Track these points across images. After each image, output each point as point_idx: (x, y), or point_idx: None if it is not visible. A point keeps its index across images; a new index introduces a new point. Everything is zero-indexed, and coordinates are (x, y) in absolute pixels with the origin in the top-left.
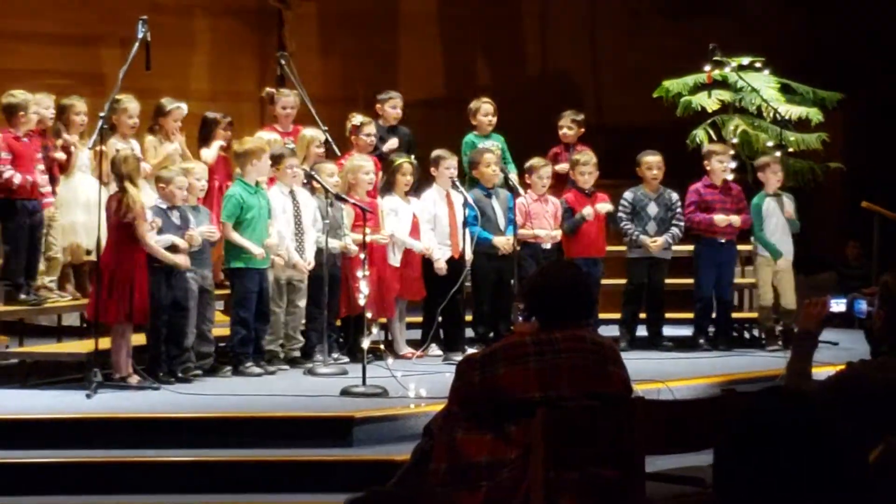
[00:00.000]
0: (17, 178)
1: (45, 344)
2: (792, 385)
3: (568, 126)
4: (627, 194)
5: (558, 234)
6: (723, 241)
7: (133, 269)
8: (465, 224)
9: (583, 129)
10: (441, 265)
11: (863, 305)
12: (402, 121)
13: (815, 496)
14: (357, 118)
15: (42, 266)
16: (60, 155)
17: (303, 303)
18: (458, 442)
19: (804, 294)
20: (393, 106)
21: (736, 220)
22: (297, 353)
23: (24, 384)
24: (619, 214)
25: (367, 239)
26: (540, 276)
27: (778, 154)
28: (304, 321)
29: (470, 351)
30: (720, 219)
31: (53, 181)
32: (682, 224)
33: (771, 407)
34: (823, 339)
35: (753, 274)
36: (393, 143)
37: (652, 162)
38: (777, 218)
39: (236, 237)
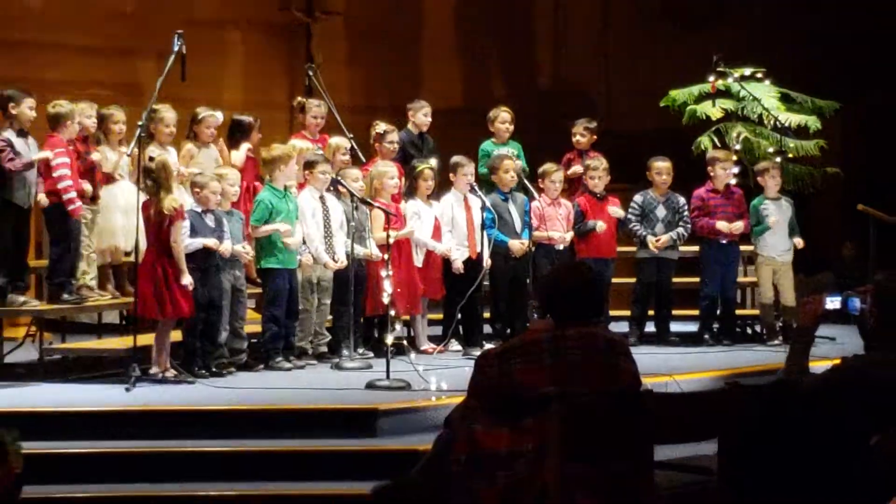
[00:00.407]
0: (78, 203)
1: (87, 340)
2: (792, 378)
3: (581, 133)
4: (637, 197)
5: (570, 235)
6: (725, 242)
7: (173, 267)
8: (483, 226)
9: (595, 136)
10: (458, 266)
11: (856, 303)
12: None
13: (816, 482)
14: (381, 126)
15: (83, 266)
16: (96, 156)
17: (329, 301)
18: (477, 434)
19: (803, 292)
20: (424, 114)
21: (738, 226)
22: (325, 349)
23: (67, 378)
24: (629, 216)
25: (391, 239)
26: (552, 276)
27: (778, 159)
28: (330, 319)
29: (488, 346)
30: (722, 225)
31: (94, 186)
32: (688, 225)
33: (776, 398)
34: (821, 334)
35: (755, 273)
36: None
37: (662, 167)
38: (775, 219)
39: (264, 229)
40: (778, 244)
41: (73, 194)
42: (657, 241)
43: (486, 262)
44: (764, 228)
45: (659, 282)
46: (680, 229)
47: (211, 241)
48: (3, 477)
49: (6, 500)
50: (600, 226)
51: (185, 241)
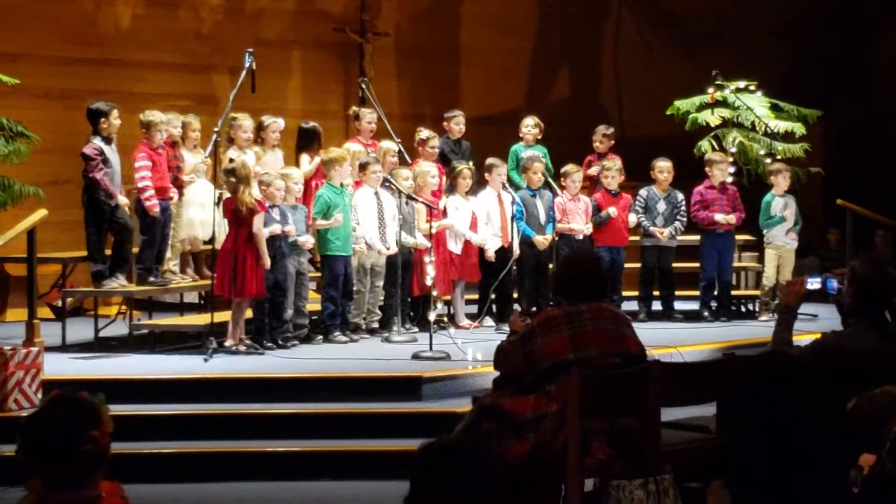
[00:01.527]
0: (154, 200)
1: (170, 317)
2: (780, 350)
3: (599, 140)
4: (642, 192)
5: (589, 228)
6: (722, 232)
7: (248, 253)
8: (513, 219)
9: (612, 142)
10: (490, 255)
11: (834, 283)
12: (462, 135)
13: (802, 439)
14: (424, 133)
15: (168, 254)
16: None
17: (381, 283)
18: (505, 405)
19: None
20: (457, 123)
21: (732, 218)
22: (376, 325)
23: (153, 350)
24: (636, 207)
25: (434, 229)
26: (563, 263)
27: (781, 164)
28: (381, 298)
29: (517, 307)
30: (720, 217)
31: (180, 185)
32: (684, 219)
33: (767, 367)
34: (805, 312)
35: (754, 259)
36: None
37: (663, 166)
38: (783, 213)
39: (321, 223)
40: (784, 235)
41: (150, 192)
42: (662, 233)
43: (516, 250)
44: (779, 220)
45: (660, 266)
46: (677, 223)
47: (278, 228)
48: (100, 437)
49: (106, 458)
50: (612, 210)
51: (260, 229)
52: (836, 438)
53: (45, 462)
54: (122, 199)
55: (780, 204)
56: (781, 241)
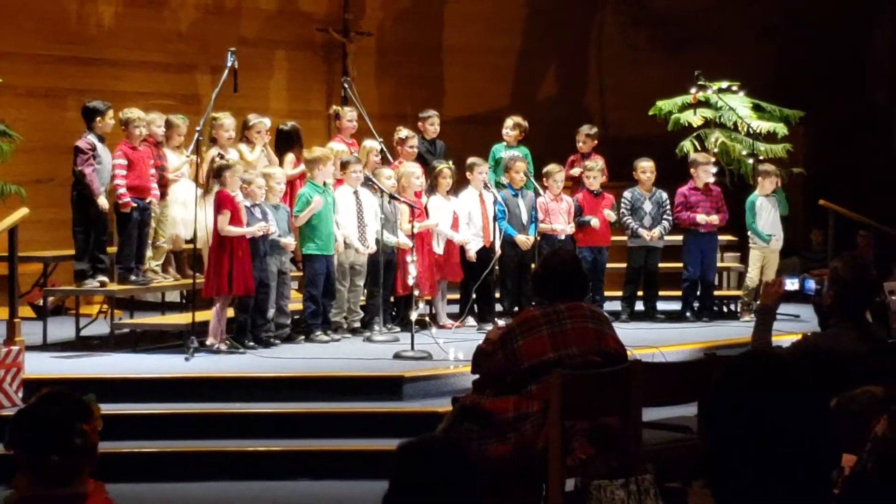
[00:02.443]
0: (127, 198)
1: (151, 316)
2: (762, 349)
3: (583, 140)
4: (627, 193)
5: (571, 227)
6: (704, 232)
7: (233, 252)
8: (495, 219)
9: (596, 142)
10: (472, 255)
11: (811, 284)
12: (443, 134)
13: (784, 438)
14: (402, 132)
15: (149, 252)
16: (174, 160)
17: (362, 282)
18: (486, 405)
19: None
20: (432, 123)
21: (714, 219)
22: (358, 324)
23: (135, 349)
24: (622, 210)
25: (416, 229)
26: (543, 263)
27: (770, 167)
28: (363, 298)
29: (498, 321)
30: (701, 218)
31: (164, 184)
32: (670, 219)
33: (748, 365)
34: (787, 312)
35: (735, 259)
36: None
37: (646, 166)
38: (768, 213)
39: (303, 216)
40: (771, 233)
41: (123, 190)
42: (650, 235)
43: (497, 249)
44: (757, 232)
45: (647, 266)
46: (665, 223)
47: (255, 228)
48: (91, 432)
49: (95, 453)
50: (594, 222)
51: (228, 227)
52: (818, 438)
53: (36, 454)
54: (103, 202)
55: (766, 204)
56: (768, 239)
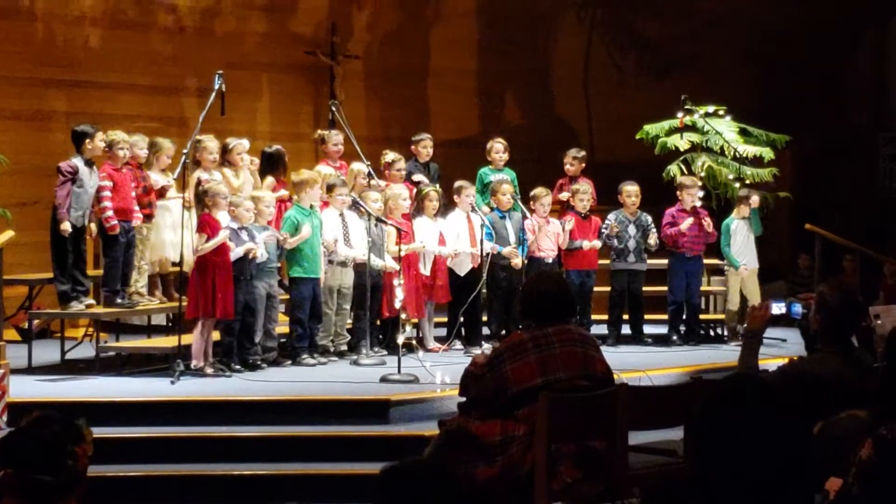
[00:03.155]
0: (114, 221)
1: (137, 339)
2: (747, 373)
3: (570, 162)
4: (611, 216)
5: (555, 251)
6: (690, 256)
7: (214, 274)
8: (481, 242)
9: (584, 165)
10: (455, 256)
11: (798, 308)
12: (430, 157)
13: (769, 461)
14: (389, 155)
15: (135, 275)
16: (161, 180)
17: (348, 305)
18: (473, 429)
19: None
20: (424, 146)
21: (689, 220)
22: (345, 347)
23: (120, 372)
24: (603, 232)
25: (403, 252)
26: (529, 286)
27: (757, 197)
28: (349, 321)
29: (486, 345)
30: (685, 225)
31: (150, 206)
32: (656, 234)
33: (734, 389)
34: (774, 336)
35: (722, 283)
36: (421, 177)
37: (631, 191)
38: (743, 236)
39: (292, 241)
40: (746, 256)
41: (110, 213)
42: (615, 228)
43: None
44: (729, 256)
45: (630, 289)
46: (653, 237)
47: (241, 249)
48: (82, 454)
49: (84, 477)
50: (585, 244)
51: (203, 246)
52: (802, 461)
53: (28, 475)
54: (66, 226)
55: (741, 227)
56: (742, 263)
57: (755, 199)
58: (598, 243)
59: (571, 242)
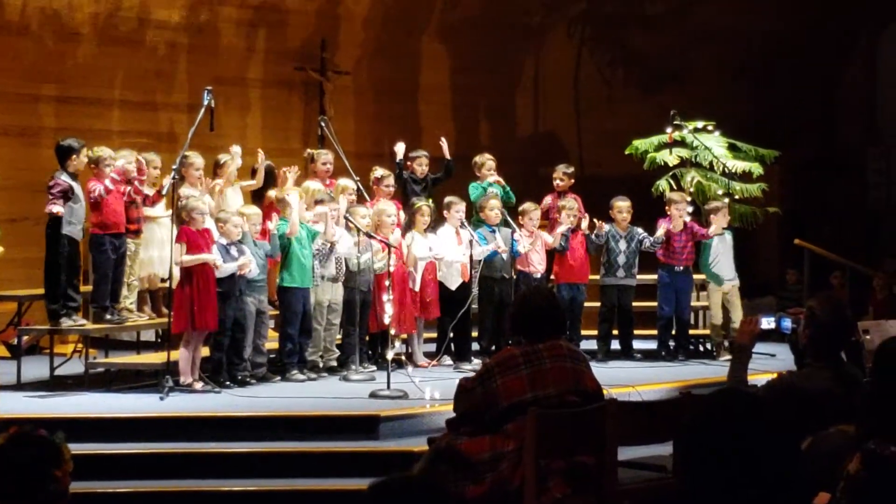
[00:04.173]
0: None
1: (126, 356)
2: (736, 387)
3: (560, 178)
4: (605, 227)
5: (543, 264)
6: (680, 269)
7: (197, 288)
8: (472, 256)
9: (573, 180)
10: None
11: (787, 322)
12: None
13: (757, 476)
14: (378, 171)
15: (124, 291)
16: (148, 191)
17: (337, 321)
18: (462, 447)
19: (746, 315)
20: (420, 164)
21: (661, 231)
22: (334, 363)
23: (109, 389)
24: (595, 237)
25: (392, 268)
26: (519, 302)
27: (726, 200)
28: (339, 336)
29: (475, 360)
30: (660, 232)
31: (138, 221)
32: (647, 239)
33: (723, 404)
34: (763, 351)
35: (706, 298)
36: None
37: (622, 206)
38: (724, 253)
39: (292, 220)
40: (725, 272)
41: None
42: (599, 224)
43: (475, 288)
44: (708, 272)
45: (620, 304)
46: (646, 241)
47: (233, 266)
48: (63, 476)
49: (66, 495)
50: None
51: (184, 258)
52: (790, 477)
53: (8, 501)
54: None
55: (716, 241)
56: (722, 280)
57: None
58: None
59: (560, 245)
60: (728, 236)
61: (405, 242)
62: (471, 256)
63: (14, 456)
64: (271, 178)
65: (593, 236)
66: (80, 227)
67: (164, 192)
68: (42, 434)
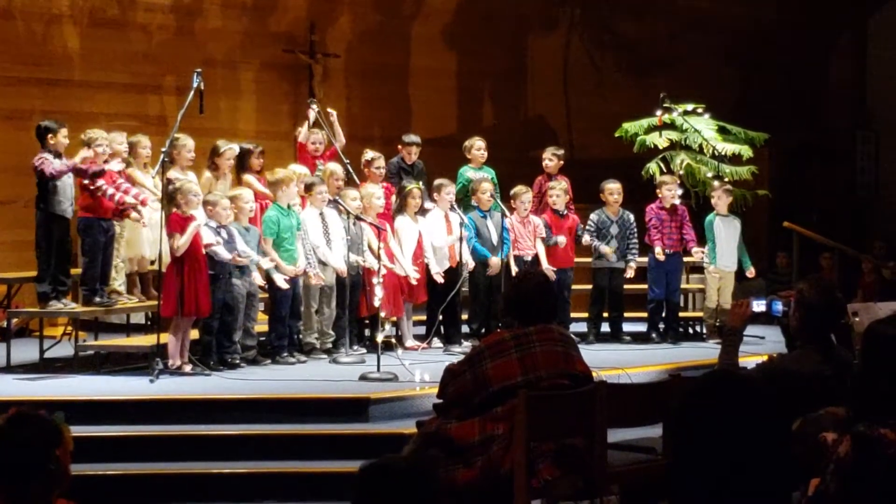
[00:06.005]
0: (110, 190)
1: (116, 338)
2: (727, 369)
3: (549, 158)
4: (593, 216)
5: (540, 248)
6: (670, 252)
7: (193, 273)
8: (461, 240)
9: (562, 162)
10: (437, 277)
11: (779, 305)
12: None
13: (747, 458)
14: (369, 154)
15: (114, 273)
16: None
17: (333, 304)
18: (451, 432)
19: (736, 297)
20: (409, 152)
21: (662, 251)
22: (331, 346)
23: (99, 371)
24: (585, 232)
25: (382, 251)
26: (514, 286)
27: (716, 183)
28: (334, 319)
29: (465, 343)
30: (658, 251)
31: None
32: (636, 245)
33: (712, 386)
34: (752, 334)
35: (701, 281)
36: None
37: (613, 188)
38: (728, 236)
39: (274, 255)
40: (727, 257)
41: (119, 195)
42: (610, 249)
43: (466, 269)
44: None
45: (611, 288)
46: (634, 250)
47: (240, 259)
48: (64, 456)
49: (68, 474)
50: (561, 240)
51: (179, 244)
52: (780, 459)
53: (9, 481)
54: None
55: (720, 224)
56: (723, 264)
57: (737, 227)
58: (562, 238)
59: (549, 238)
60: (734, 221)
61: (395, 226)
62: (460, 239)
63: (14, 436)
64: (246, 161)
65: (589, 238)
66: (69, 206)
67: (153, 174)
68: (42, 414)
